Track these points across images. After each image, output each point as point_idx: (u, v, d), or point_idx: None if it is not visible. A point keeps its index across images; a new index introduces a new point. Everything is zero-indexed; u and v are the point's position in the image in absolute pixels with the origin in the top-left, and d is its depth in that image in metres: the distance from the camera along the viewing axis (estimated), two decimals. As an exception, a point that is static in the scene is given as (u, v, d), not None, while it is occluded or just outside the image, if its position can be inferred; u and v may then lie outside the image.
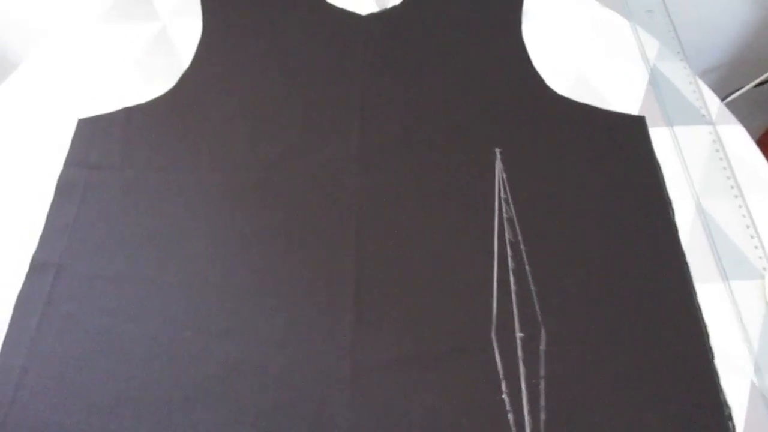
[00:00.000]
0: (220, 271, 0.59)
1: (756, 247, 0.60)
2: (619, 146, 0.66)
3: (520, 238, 0.60)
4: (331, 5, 0.79)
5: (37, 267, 0.59)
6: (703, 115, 0.69)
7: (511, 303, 0.56)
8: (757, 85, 1.06)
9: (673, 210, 0.62)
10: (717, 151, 0.66)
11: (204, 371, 0.53)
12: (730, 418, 0.51)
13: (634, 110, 0.70)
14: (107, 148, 0.66)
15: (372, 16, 0.78)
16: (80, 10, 0.80)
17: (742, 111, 0.79)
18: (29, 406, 0.52)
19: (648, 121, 0.68)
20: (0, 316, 0.56)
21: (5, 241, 0.61)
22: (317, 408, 0.52)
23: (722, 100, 0.71)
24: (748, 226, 0.61)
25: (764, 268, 0.59)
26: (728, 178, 0.64)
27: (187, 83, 0.71)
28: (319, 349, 0.54)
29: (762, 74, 1.04)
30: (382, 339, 0.55)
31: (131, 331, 0.55)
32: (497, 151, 0.65)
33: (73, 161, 0.66)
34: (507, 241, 0.59)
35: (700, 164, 0.65)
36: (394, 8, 0.79)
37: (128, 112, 0.69)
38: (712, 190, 0.64)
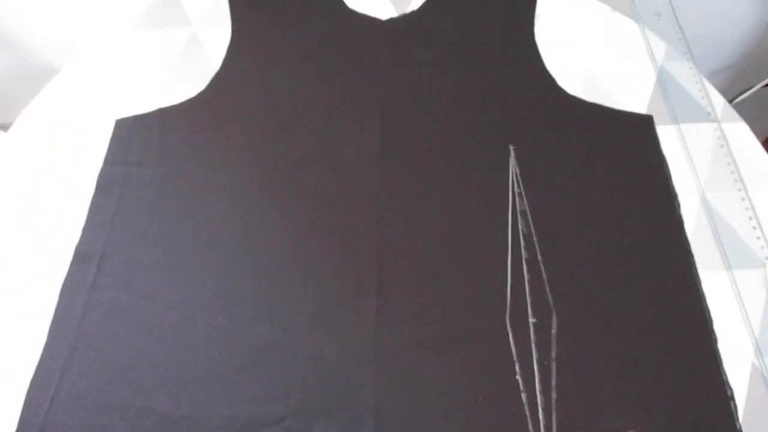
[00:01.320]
0: (251, 261, 0.62)
1: (758, 238, 0.63)
2: (628, 143, 0.69)
3: (532, 230, 0.63)
4: (352, 11, 0.83)
5: (80, 256, 0.63)
6: (709, 113, 0.72)
7: (525, 290, 0.59)
8: (765, 86, 1.08)
9: (678, 203, 0.64)
10: (722, 146, 0.69)
11: (237, 353, 0.57)
12: (732, 398, 0.54)
13: (642, 109, 0.73)
14: (144, 146, 0.70)
15: (391, 21, 0.81)
16: (115, 18, 0.83)
17: (750, 112, 0.81)
18: (76, 385, 0.56)
19: (655, 119, 0.71)
20: (46, 301, 0.60)
21: (50, 233, 0.65)
22: (343, 388, 0.55)
23: (730, 101, 0.73)
24: (750, 218, 0.64)
25: (766, 258, 0.61)
26: (732, 172, 0.67)
27: (218, 85, 0.75)
28: (344, 333, 0.58)
29: (770, 75, 1.06)
30: (404, 324, 0.58)
31: (169, 316, 0.59)
32: (511, 148, 0.68)
33: (112, 159, 0.70)
34: (520, 233, 0.63)
35: (705, 160, 0.68)
36: (412, 13, 0.82)
37: (163, 113, 0.73)
38: (717, 184, 0.67)
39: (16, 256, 0.64)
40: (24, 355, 0.57)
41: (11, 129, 0.74)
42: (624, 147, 0.69)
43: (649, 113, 0.72)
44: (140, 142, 0.70)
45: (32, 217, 0.67)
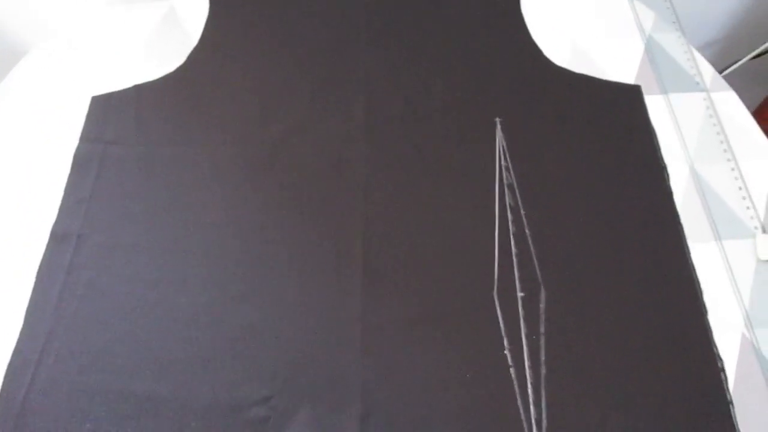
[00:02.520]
0: (233, 239, 0.61)
1: (748, 208, 0.62)
2: (616, 114, 0.68)
3: (520, 203, 0.62)
4: (334, -18, 0.81)
5: (57, 237, 0.61)
6: (698, 83, 0.71)
7: (512, 264, 0.58)
8: (753, 57, 1.07)
9: (667, 174, 0.64)
10: (711, 116, 0.68)
11: (220, 334, 0.56)
12: (722, 370, 0.53)
13: (630, 79, 0.72)
14: (121, 124, 0.68)
15: (374, -7, 0.80)
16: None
17: (739, 84, 0.80)
18: (55, 369, 0.54)
19: (643, 89, 0.70)
20: (22, 284, 0.58)
21: (26, 214, 0.64)
22: (329, 368, 0.54)
23: (720, 73, 0.72)
24: (740, 188, 0.63)
25: (756, 228, 0.61)
26: (721, 142, 0.66)
27: (196, 61, 0.73)
28: (330, 312, 0.57)
29: (758, 46, 1.05)
30: (391, 301, 0.57)
31: (149, 297, 0.58)
32: (497, 120, 0.67)
33: (88, 137, 0.68)
34: (507, 207, 0.61)
35: (694, 130, 0.67)
36: (395, -16, 0.81)
37: (139, 89, 0.71)
38: (706, 155, 0.66)
39: (-9, 237, 0.62)
40: (1, 339, 0.56)
41: (-18, 109, 0.72)
42: (612, 118, 0.68)
43: (638, 83, 0.71)
44: (117, 119, 0.69)
45: (6, 198, 0.65)
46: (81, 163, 0.66)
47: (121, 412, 0.52)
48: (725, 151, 0.65)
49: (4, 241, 0.62)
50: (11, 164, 0.67)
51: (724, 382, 0.53)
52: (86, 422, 0.52)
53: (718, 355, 0.54)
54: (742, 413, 0.51)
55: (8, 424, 0.52)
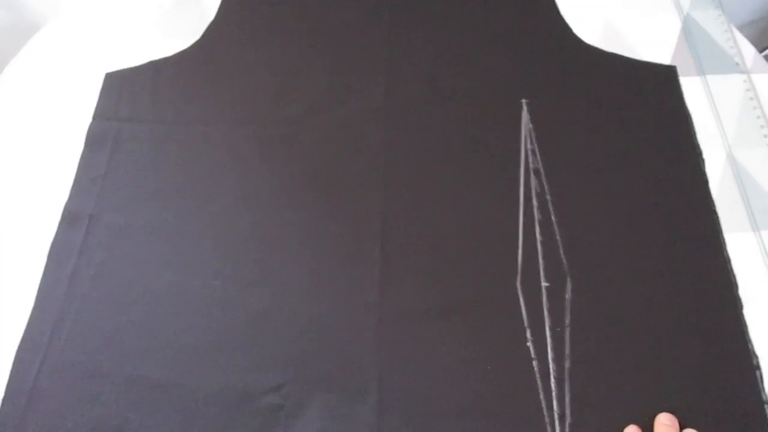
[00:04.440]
0: (248, 222, 0.59)
1: (789, 197, 0.59)
2: (649, 96, 0.65)
3: (546, 188, 0.59)
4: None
5: (69, 217, 0.60)
6: (737, 64, 0.67)
7: (537, 253, 0.56)
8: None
9: (703, 160, 0.61)
10: (751, 99, 0.64)
11: (233, 319, 0.54)
12: (758, 367, 0.51)
13: (665, 60, 0.68)
14: (136, 101, 0.67)
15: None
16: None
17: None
18: (65, 350, 0.53)
19: (679, 70, 0.67)
20: (35, 264, 0.57)
21: (38, 193, 0.62)
22: (344, 356, 0.52)
23: (761, 53, 0.68)
24: (781, 176, 0.60)
25: (797, 219, 0.58)
26: (762, 126, 0.63)
27: (212, 36, 0.71)
28: (345, 299, 0.55)
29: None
30: (408, 289, 0.55)
31: (162, 280, 0.57)
32: (524, 102, 0.65)
33: (102, 114, 0.66)
34: (533, 192, 0.59)
35: (732, 113, 0.64)
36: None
37: (155, 65, 0.69)
38: (745, 140, 0.62)
39: (3, 216, 0.61)
40: (11, 320, 0.55)
41: (-4, 85, 0.71)
42: (645, 100, 0.65)
43: (673, 64, 0.68)
44: (131, 96, 0.67)
45: (19, 176, 0.64)
46: (94, 141, 0.65)
47: (131, 396, 0.51)
48: (765, 136, 0.62)
49: (18, 221, 0.61)
50: (24, 142, 0.66)
51: (759, 380, 0.50)
52: (96, 406, 0.51)
53: (754, 352, 0.51)
54: (778, 414, 0.48)
55: (19, 406, 0.51)
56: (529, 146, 0.62)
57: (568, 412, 0.49)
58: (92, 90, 0.68)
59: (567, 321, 0.53)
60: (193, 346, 0.53)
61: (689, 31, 0.70)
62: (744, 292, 0.54)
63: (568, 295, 0.54)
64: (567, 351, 0.51)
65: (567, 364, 0.51)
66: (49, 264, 0.58)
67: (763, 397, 0.49)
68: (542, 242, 0.56)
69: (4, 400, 0.51)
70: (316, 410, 0.50)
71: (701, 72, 0.67)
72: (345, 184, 0.61)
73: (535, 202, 0.58)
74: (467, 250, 0.57)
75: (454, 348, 0.52)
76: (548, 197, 0.59)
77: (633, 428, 0.48)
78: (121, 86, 0.68)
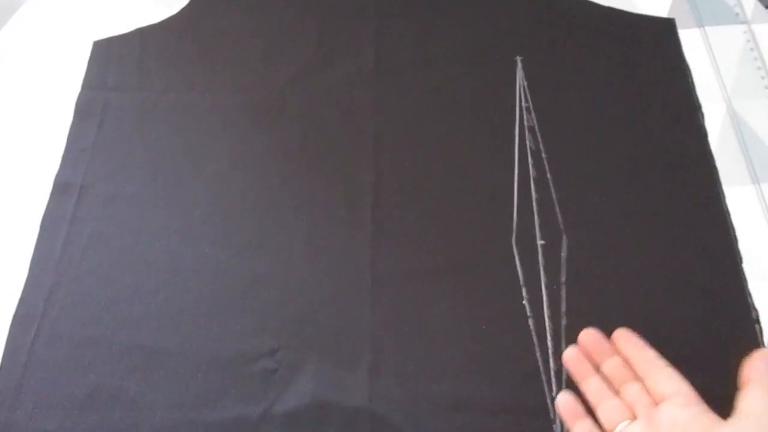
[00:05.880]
0: (239, 188, 0.59)
1: (790, 149, 0.57)
2: (646, 49, 0.64)
3: (541, 146, 0.58)
4: None
5: (60, 188, 0.60)
6: (737, 14, 0.66)
7: (532, 211, 0.55)
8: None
9: (702, 114, 0.59)
10: (751, 50, 0.63)
11: (226, 285, 0.54)
12: (757, 321, 0.50)
13: (662, 12, 0.67)
14: (124, 69, 0.66)
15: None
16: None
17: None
18: (60, 320, 0.53)
19: (677, 23, 0.65)
20: (26, 235, 0.57)
21: (27, 163, 0.62)
22: (339, 319, 0.52)
23: (762, 3, 0.67)
24: (782, 128, 0.58)
25: (798, 170, 0.56)
26: (762, 78, 0.61)
27: (200, 2, 0.70)
28: (339, 262, 0.54)
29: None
30: (402, 250, 0.55)
31: (154, 248, 0.56)
32: (518, 59, 0.63)
33: (90, 84, 0.66)
34: (528, 150, 0.58)
35: (732, 65, 0.62)
36: None
37: (142, 33, 0.68)
38: (745, 91, 0.61)
39: (-5, 188, 0.61)
40: (5, 291, 0.55)
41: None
42: (642, 54, 0.64)
43: (671, 16, 0.66)
44: (119, 65, 0.66)
45: (9, 147, 0.63)
46: (83, 111, 0.64)
47: (125, 364, 0.51)
48: (766, 87, 0.60)
49: (10, 191, 0.61)
50: (15, 112, 0.65)
51: (758, 334, 0.49)
52: (90, 374, 0.51)
53: (753, 306, 0.50)
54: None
55: (15, 375, 0.51)
56: (523, 104, 0.60)
57: (564, 368, 0.48)
58: (81, 59, 0.67)
59: (563, 279, 0.52)
60: (186, 312, 0.53)
61: (686, -18, 0.68)
62: (743, 245, 0.53)
63: (563, 253, 0.53)
64: (563, 308, 0.51)
65: (564, 322, 0.50)
66: (42, 234, 0.57)
67: (763, 349, 0.49)
68: (537, 200, 0.56)
69: (0, 370, 0.51)
70: (310, 374, 0.50)
71: (700, 23, 0.65)
72: (335, 148, 0.60)
73: (530, 160, 0.57)
74: (461, 210, 0.56)
75: (449, 309, 0.52)
76: (543, 155, 0.58)
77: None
78: (108, 55, 0.67)
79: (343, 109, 0.62)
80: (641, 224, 0.54)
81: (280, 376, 0.50)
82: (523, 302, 0.51)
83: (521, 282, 0.52)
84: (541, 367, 0.49)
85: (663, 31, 0.65)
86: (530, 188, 0.56)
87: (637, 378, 0.43)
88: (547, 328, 0.50)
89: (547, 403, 0.47)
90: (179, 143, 0.62)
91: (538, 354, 0.49)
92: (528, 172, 0.57)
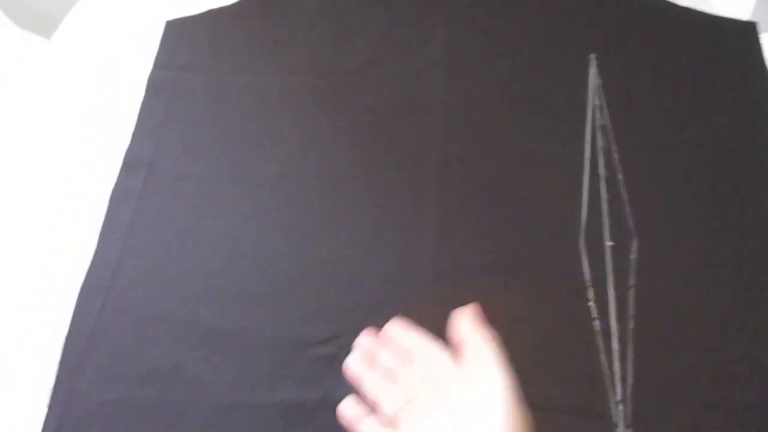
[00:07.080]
0: (305, 172, 0.59)
1: None
2: (725, 53, 0.62)
3: (613, 145, 0.57)
4: None
5: (130, 164, 0.60)
6: (823, 19, 0.63)
7: (602, 211, 0.54)
8: None
9: (782, 120, 0.57)
10: (838, 57, 0.61)
11: (288, 268, 0.54)
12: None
13: (745, 15, 0.65)
14: (194, 50, 0.67)
15: None
16: None
17: None
18: (125, 294, 0.54)
19: (760, 27, 0.63)
20: (96, 209, 0.58)
21: (100, 139, 0.63)
22: (398, 309, 0.51)
23: None
24: None
25: None
26: None
27: (271, -16, 0.70)
28: (402, 252, 0.54)
29: None
30: (465, 243, 0.54)
31: (217, 228, 0.57)
32: (592, 56, 0.62)
33: (162, 63, 0.66)
34: (599, 149, 0.57)
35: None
36: None
37: (213, 14, 0.69)
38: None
39: (68, 163, 0.62)
40: (75, 262, 0.56)
41: (55, 35, 0.71)
42: (721, 57, 0.62)
43: (753, 20, 0.64)
44: (190, 45, 0.67)
45: (83, 124, 0.64)
46: (154, 89, 0.65)
47: (187, 341, 0.51)
48: None
49: (82, 168, 0.62)
50: (89, 89, 0.67)
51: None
52: (153, 349, 0.51)
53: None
54: None
55: (80, 345, 0.52)
56: (596, 102, 0.59)
57: (630, 372, 0.47)
58: (154, 38, 0.68)
59: (632, 281, 0.51)
60: (248, 293, 0.53)
61: (772, -16, 0.66)
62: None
63: (633, 255, 0.52)
64: (631, 312, 0.50)
65: (631, 325, 0.49)
66: (110, 210, 0.58)
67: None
68: (608, 200, 0.54)
69: (66, 339, 0.52)
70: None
71: (784, 28, 0.63)
72: (403, 137, 0.60)
73: (601, 159, 0.56)
74: (528, 207, 0.55)
75: (511, 306, 0.51)
76: (615, 154, 0.56)
77: None
78: (180, 35, 0.68)
79: (411, 99, 0.62)
80: (714, 229, 0.53)
81: (340, 363, 0.50)
82: (589, 303, 0.50)
83: (588, 283, 0.51)
84: (605, 371, 0.48)
85: (744, 34, 0.63)
86: (600, 188, 0.55)
87: (410, 361, 0.46)
88: (614, 330, 0.49)
89: (609, 407, 0.46)
90: (247, 125, 0.62)
91: (602, 357, 0.48)
92: (598, 171, 0.56)
